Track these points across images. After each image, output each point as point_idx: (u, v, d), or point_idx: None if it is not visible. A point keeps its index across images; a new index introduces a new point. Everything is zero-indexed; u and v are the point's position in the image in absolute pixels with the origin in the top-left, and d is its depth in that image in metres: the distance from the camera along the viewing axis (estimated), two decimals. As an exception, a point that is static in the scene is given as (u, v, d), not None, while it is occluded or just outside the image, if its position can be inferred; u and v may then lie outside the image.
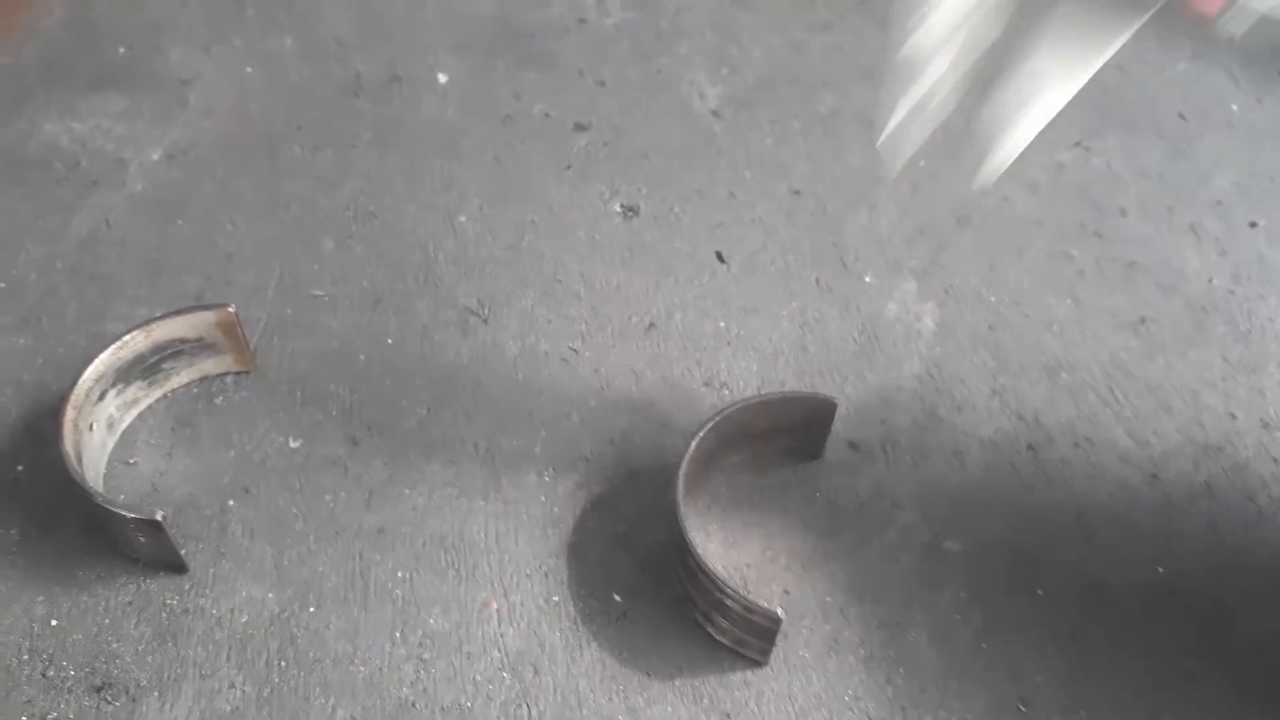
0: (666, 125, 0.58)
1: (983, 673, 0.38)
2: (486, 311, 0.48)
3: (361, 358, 0.46)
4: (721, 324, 0.49)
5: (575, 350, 0.47)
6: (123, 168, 0.53)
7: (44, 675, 0.36)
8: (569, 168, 0.55)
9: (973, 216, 0.54)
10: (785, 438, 0.43)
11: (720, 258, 0.52)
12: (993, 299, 0.51)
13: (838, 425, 0.43)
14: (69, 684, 0.36)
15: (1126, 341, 0.49)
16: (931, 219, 0.54)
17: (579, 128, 0.57)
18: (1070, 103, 0.54)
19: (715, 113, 0.59)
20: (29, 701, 0.35)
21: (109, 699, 0.35)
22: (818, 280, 0.51)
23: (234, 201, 0.52)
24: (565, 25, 0.63)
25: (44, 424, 0.42)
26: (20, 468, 0.41)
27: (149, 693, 0.36)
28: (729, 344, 0.48)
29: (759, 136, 0.58)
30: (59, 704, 0.35)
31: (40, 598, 0.38)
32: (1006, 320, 0.50)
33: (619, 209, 0.54)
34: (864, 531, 0.42)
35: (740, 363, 0.47)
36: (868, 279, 0.51)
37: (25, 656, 0.36)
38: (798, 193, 0.55)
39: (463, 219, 0.52)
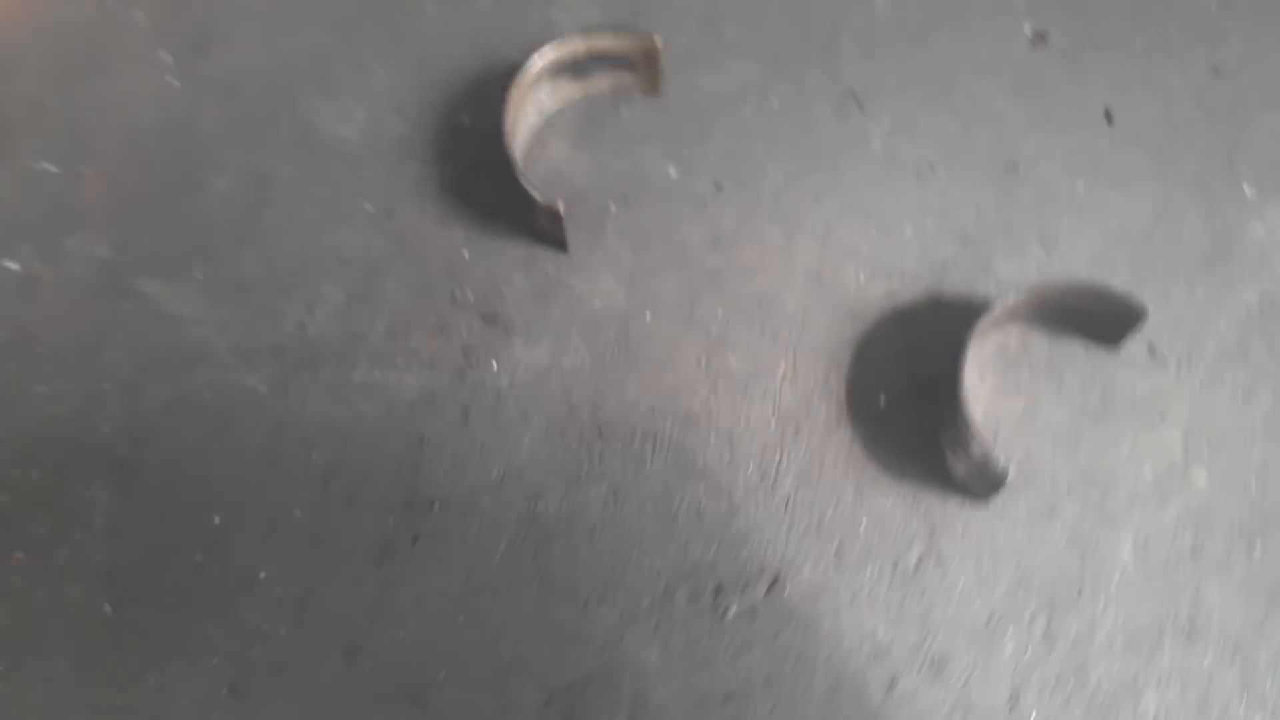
0: (1119, -49, 0.55)
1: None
2: (865, 101, 0.52)
3: (747, 111, 0.52)
4: (1080, 185, 0.50)
5: (932, 167, 0.51)
6: None
7: (452, 295, 0.48)
8: (1000, -28, 0.55)
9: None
10: (1086, 322, 0.46)
11: (1107, 116, 0.52)
12: (1372, 255, 0.49)
13: (1145, 328, 0.46)
14: (468, 306, 0.47)
15: None
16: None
17: (1028, -71, 0.56)
18: None
19: (1178, -49, 0.55)
20: (437, 312, 0.47)
21: (491, 325, 0.47)
22: (1196, 173, 0.51)
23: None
24: None
25: (491, 85, 0.52)
26: (466, 118, 0.52)
27: (520, 333, 0.47)
28: (1078, 208, 0.50)
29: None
30: (458, 319, 0.47)
31: (461, 233, 0.49)
32: (1372, 281, 0.48)
33: (1030, 32, 0.54)
34: (1120, 431, 0.46)
35: (1081, 231, 0.49)
36: (1246, 189, 0.50)
37: (443, 276, 0.48)
38: (1218, 71, 0.53)
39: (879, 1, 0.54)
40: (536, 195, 0.45)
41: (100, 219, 0.49)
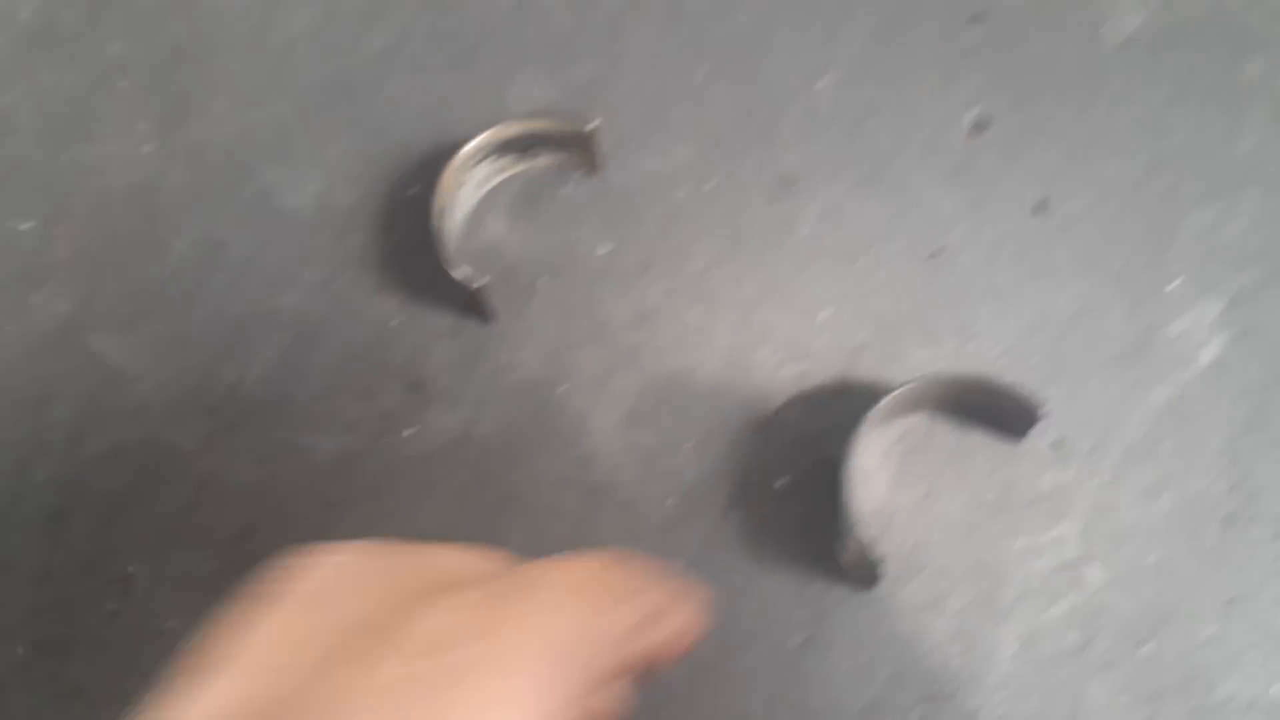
0: (1062, 43, 0.56)
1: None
2: (797, 186, 0.53)
3: (681, 193, 0.54)
4: (1003, 275, 0.51)
5: (856, 253, 0.52)
6: (565, -60, 0.60)
7: (379, 362, 0.50)
8: (942, 59, 0.56)
9: (1336, 259, 0.50)
10: (988, 415, 0.47)
11: (1039, 207, 0.52)
12: (1294, 357, 0.49)
13: (1053, 422, 0.46)
14: (393, 373, 0.50)
15: None
16: (1287, 244, 0.51)
17: (974, 19, 0.57)
18: None
19: (1121, 45, 0.56)
20: (363, 377, 0.50)
21: (413, 392, 0.49)
22: (1123, 267, 0.51)
23: (640, 1, 0.58)
24: (1019, -109, 0.60)
25: (440, 160, 0.54)
26: (413, 190, 0.54)
27: (439, 401, 0.49)
28: (998, 299, 0.50)
29: (1151, 87, 0.54)
30: (382, 385, 0.50)
31: (394, 302, 0.51)
32: (1294, 384, 0.48)
33: (969, 121, 0.54)
34: (1017, 524, 0.46)
35: (1000, 321, 0.50)
36: (1171, 286, 0.50)
37: (372, 343, 0.50)
38: (1158, 165, 0.53)
39: (821, 84, 0.56)
40: (454, 273, 0.47)
41: (65, 276, 0.53)
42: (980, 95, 0.55)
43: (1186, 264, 0.51)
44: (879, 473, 0.47)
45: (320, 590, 0.23)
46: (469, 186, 0.53)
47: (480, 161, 0.52)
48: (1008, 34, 0.56)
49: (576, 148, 0.53)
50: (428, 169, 0.54)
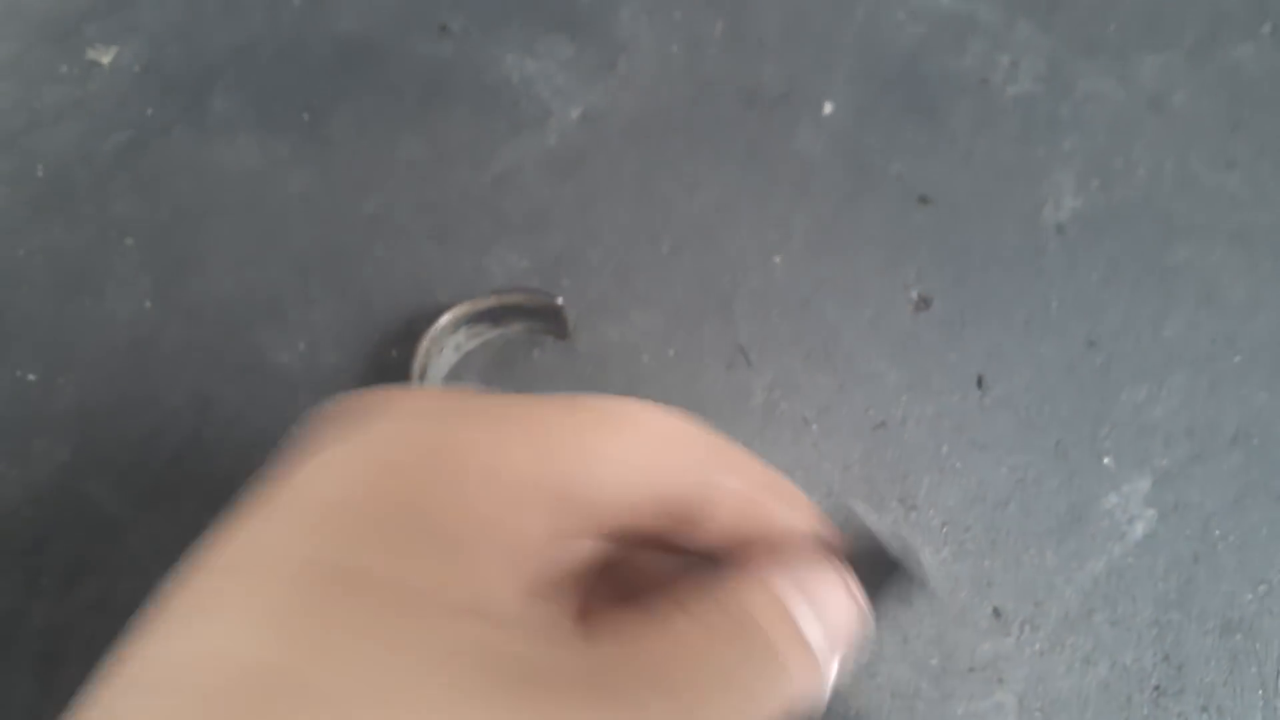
0: (1004, 225, 0.60)
1: None
2: (753, 356, 0.57)
3: (645, 358, 0.57)
4: (945, 448, 0.54)
5: (807, 422, 0.55)
6: (546, 118, 0.65)
7: (354, 518, 0.53)
8: (890, 238, 0.60)
9: (1253, 435, 0.53)
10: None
11: (980, 382, 0.56)
12: (1217, 533, 0.51)
13: (988, 591, 0.49)
14: (367, 529, 0.53)
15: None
16: (1209, 424, 0.54)
17: (922, 200, 0.61)
18: None
19: (1060, 227, 0.60)
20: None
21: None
22: (1059, 442, 0.54)
23: (613, 179, 0.63)
24: (967, 83, 0.65)
25: (420, 324, 0.58)
26: (394, 353, 0.58)
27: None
28: (940, 470, 0.53)
29: (1087, 269, 0.59)
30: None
31: (372, 460, 0.54)
32: (1217, 558, 0.51)
33: (914, 298, 0.58)
34: (956, 690, 0.48)
35: (941, 492, 0.53)
36: (1106, 461, 0.53)
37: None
38: (1092, 344, 0.57)
39: (777, 260, 0.60)
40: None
41: (66, 425, 0.56)
42: (925, 273, 0.59)
43: (1119, 440, 0.54)
44: (822, 639, 0.49)
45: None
46: (447, 350, 0.56)
47: (458, 329, 0.56)
48: (953, 215, 0.60)
49: (547, 317, 0.57)
50: (409, 333, 0.58)
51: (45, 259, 0.62)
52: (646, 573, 0.27)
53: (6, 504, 0.54)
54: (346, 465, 0.22)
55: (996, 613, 0.50)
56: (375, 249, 0.61)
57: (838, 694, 0.48)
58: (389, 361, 0.57)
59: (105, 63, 0.69)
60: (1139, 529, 0.52)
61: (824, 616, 0.23)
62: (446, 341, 0.55)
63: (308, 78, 0.67)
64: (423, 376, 0.53)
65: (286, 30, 0.70)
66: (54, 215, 0.63)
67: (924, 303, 0.58)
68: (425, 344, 0.53)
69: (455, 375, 0.57)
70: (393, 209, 0.62)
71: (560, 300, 0.55)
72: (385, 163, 0.64)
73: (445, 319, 0.54)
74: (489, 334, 0.58)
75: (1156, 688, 0.48)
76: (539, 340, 0.58)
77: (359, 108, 0.66)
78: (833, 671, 0.24)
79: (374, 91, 0.66)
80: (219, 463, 0.55)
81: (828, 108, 0.65)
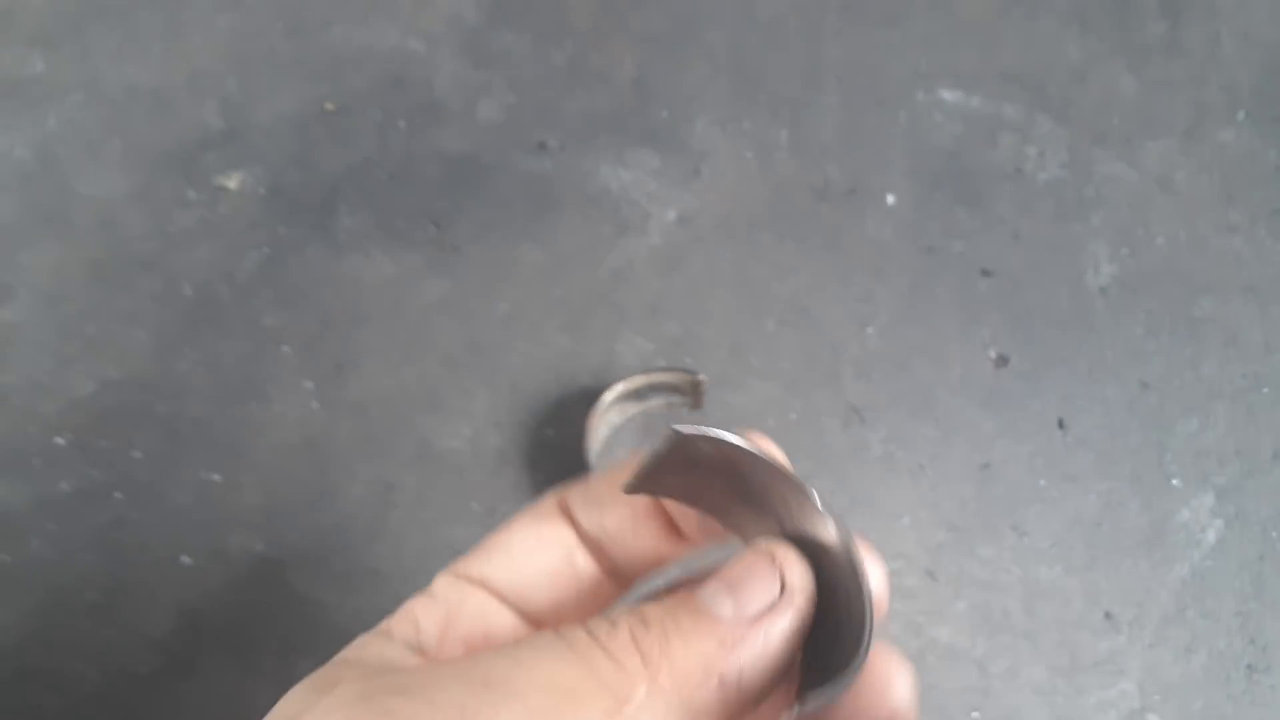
0: (1057, 290, 0.71)
1: None
2: (864, 414, 0.66)
3: (770, 422, 0.65)
4: (1041, 482, 0.63)
5: (922, 468, 0.64)
6: (646, 220, 0.74)
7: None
8: (963, 307, 0.70)
9: (1294, 454, 0.64)
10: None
11: (1060, 424, 0.65)
12: (1274, 534, 0.61)
13: (1098, 596, 0.57)
14: (556, 589, 0.59)
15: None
16: (1252, 445, 0.64)
17: (984, 273, 0.71)
18: None
19: (1102, 290, 0.71)
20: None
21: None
22: (1133, 469, 0.64)
23: (713, 270, 0.72)
24: (1004, 172, 0.76)
25: (568, 405, 0.65)
26: (550, 431, 0.65)
27: (597, 612, 0.58)
28: (1040, 501, 0.62)
29: (1130, 324, 0.69)
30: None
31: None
32: (1279, 556, 0.60)
33: (993, 356, 0.68)
34: (1087, 684, 0.56)
35: (1046, 519, 0.62)
36: (1174, 483, 0.63)
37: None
38: (1145, 385, 0.67)
39: (869, 330, 0.69)
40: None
41: (257, 520, 0.62)
42: (998, 335, 0.69)
43: (1181, 464, 0.64)
44: (972, 648, 0.57)
45: None
46: (602, 428, 0.64)
47: (610, 408, 0.63)
48: (1013, 284, 0.70)
49: (685, 391, 0.65)
50: (559, 414, 0.65)
51: (207, 370, 0.68)
52: None
53: (213, 596, 0.59)
54: None
55: (1108, 615, 0.58)
56: (515, 343, 0.69)
57: (993, 694, 0.56)
58: (546, 440, 0.65)
59: (232, 187, 0.76)
60: (1210, 536, 0.61)
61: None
62: (603, 418, 0.63)
63: (425, 194, 0.75)
64: (590, 451, 0.60)
65: (396, 152, 0.78)
66: (207, 329, 0.69)
67: (1002, 360, 0.67)
68: (592, 421, 0.61)
69: (608, 448, 0.64)
70: (524, 307, 0.70)
71: (702, 376, 0.63)
72: (509, 267, 0.72)
73: (608, 398, 0.61)
74: (633, 410, 0.65)
75: (1249, 666, 0.57)
76: (676, 413, 0.66)
77: (477, 219, 0.74)
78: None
79: (488, 204, 0.74)
80: (411, 539, 0.61)
81: (890, 199, 0.75)
